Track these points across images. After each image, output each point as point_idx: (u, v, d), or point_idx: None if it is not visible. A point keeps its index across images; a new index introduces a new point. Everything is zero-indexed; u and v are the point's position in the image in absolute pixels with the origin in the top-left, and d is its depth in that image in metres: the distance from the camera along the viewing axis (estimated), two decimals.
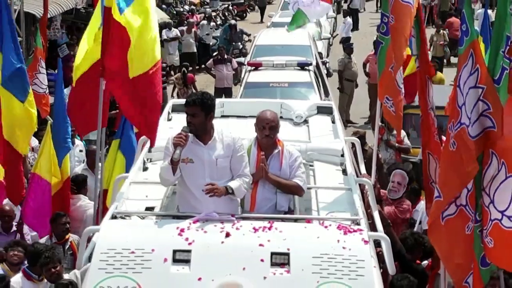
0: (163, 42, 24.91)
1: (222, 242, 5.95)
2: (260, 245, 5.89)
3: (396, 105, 9.79)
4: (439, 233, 7.51)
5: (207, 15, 30.83)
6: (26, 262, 9.04)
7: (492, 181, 7.15)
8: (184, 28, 27.45)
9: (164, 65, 22.66)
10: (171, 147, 6.45)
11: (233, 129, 6.86)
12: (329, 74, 21.28)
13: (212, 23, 29.89)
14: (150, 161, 7.95)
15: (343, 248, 5.88)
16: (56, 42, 22.00)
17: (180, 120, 8.88)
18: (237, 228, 6.09)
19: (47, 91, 14.30)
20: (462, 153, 7.28)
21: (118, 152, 10.42)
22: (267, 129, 6.93)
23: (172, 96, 21.64)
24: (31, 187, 10.64)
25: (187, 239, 5.94)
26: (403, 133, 13.73)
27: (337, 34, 30.31)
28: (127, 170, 9.57)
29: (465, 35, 7.36)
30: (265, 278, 5.74)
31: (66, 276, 8.64)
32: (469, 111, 7.18)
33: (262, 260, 5.81)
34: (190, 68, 24.03)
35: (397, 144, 13.75)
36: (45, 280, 8.69)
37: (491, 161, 7.19)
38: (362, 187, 7.65)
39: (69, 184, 10.94)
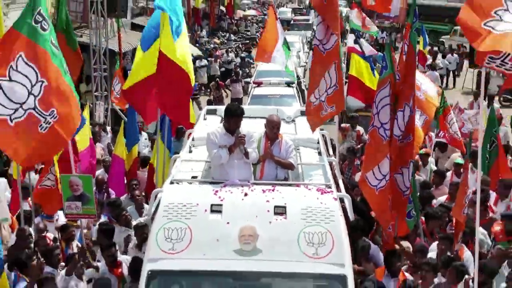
0: (196, 69, 24.90)
1: (242, 199, 5.94)
2: (267, 201, 5.88)
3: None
4: (373, 199, 7.58)
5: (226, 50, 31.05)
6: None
7: None
8: (212, 59, 27.53)
9: (196, 83, 22.83)
10: (216, 140, 6.41)
11: (246, 125, 6.77)
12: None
13: (231, 54, 29.93)
14: (193, 146, 7.89)
15: (321, 203, 5.88)
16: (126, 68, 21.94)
17: (211, 120, 8.86)
18: (252, 190, 6.08)
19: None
20: (373, 145, 7.47)
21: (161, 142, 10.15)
22: (275, 129, 6.92)
23: (209, 96, 22.15)
24: (113, 163, 10.64)
25: (219, 197, 5.93)
26: (362, 130, 13.79)
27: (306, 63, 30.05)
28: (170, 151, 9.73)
29: (385, 69, 7.45)
30: (270, 222, 5.73)
31: (134, 222, 8.67)
32: (382, 118, 7.30)
33: (268, 211, 5.79)
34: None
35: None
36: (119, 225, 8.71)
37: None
38: (330, 164, 7.63)
39: (136, 162, 10.96)
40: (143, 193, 10.12)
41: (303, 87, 19.68)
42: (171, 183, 6.36)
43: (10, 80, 6.99)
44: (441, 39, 35.63)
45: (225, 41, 38.19)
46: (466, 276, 7.21)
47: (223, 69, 27.58)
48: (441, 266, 7.24)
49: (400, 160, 7.55)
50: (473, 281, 6.72)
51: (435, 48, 30.90)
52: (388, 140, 7.36)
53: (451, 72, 27.85)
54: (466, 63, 26.98)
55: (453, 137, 11.63)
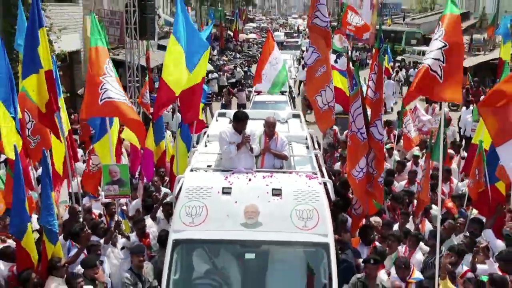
0: (209, 81, 24.83)
1: (247, 183, 5.88)
2: (266, 185, 5.82)
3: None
4: (355, 186, 7.62)
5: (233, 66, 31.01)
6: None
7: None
8: (221, 73, 27.48)
9: (210, 92, 22.83)
10: (226, 138, 6.36)
11: (249, 125, 6.65)
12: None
13: (239, 69, 29.86)
14: (208, 141, 7.85)
15: (309, 186, 5.82)
16: (154, 81, 21.81)
17: (222, 121, 8.80)
18: (254, 176, 6.03)
19: (149, 102, 14.38)
20: (353, 146, 7.47)
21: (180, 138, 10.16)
22: (271, 128, 6.88)
23: (221, 101, 22.13)
24: (145, 154, 10.59)
25: (229, 181, 5.89)
26: (337, 129, 13.79)
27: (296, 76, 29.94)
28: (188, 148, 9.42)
29: (355, 85, 7.41)
30: (269, 202, 5.67)
31: None
32: (357, 125, 7.30)
33: (267, 193, 5.73)
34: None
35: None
36: None
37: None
38: (316, 155, 7.59)
39: (165, 154, 10.86)
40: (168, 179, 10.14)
41: (294, 95, 19.70)
42: (191, 170, 6.31)
43: (110, 75, 7.36)
44: (402, 57, 35.95)
45: (232, 58, 38.13)
46: (422, 243, 7.25)
47: (233, 80, 27.63)
48: (404, 236, 7.27)
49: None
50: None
51: (397, 64, 31.08)
52: (366, 141, 7.36)
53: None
54: None
55: (406, 135, 11.80)
